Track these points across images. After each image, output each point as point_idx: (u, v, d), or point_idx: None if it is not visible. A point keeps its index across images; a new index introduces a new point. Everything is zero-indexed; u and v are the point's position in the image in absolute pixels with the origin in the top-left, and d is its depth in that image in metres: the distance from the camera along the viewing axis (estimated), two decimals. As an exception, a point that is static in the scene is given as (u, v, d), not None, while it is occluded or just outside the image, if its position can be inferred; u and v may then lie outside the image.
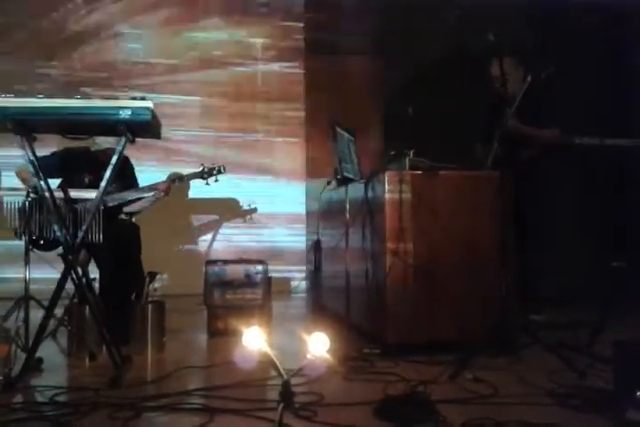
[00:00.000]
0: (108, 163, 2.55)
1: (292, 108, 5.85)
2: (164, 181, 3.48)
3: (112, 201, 3.35)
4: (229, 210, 5.71)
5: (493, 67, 3.61)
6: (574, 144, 3.80)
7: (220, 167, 3.63)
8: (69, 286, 2.60)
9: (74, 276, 2.54)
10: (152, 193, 3.46)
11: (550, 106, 3.81)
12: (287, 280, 5.62)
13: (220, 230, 5.79)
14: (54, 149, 3.52)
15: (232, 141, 5.72)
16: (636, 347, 1.95)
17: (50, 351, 2.89)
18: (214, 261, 3.62)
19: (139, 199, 3.52)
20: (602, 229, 5.22)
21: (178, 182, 3.53)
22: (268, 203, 5.79)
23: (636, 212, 4.79)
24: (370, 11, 5.61)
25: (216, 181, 3.65)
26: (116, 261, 3.22)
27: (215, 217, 5.77)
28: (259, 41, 5.85)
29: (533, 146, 3.74)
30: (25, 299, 3.02)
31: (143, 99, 2.40)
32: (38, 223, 2.97)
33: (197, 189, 5.32)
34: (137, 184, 3.62)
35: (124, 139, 2.49)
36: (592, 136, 3.83)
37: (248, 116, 5.77)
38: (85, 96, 2.40)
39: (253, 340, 1.59)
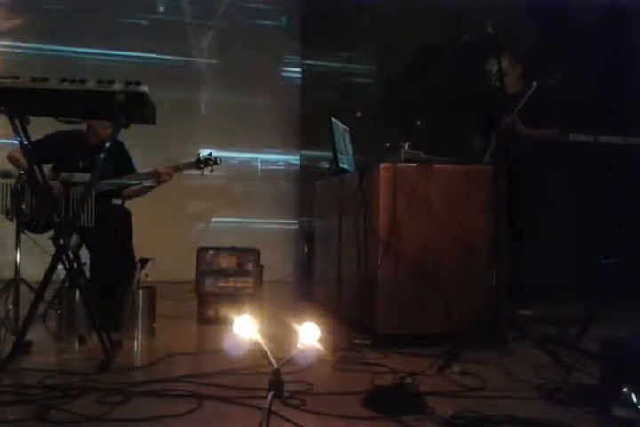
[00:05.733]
0: (102, 147, 2.53)
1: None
2: (163, 167, 3.43)
3: (106, 186, 3.32)
4: (222, 197, 5.70)
5: (490, 62, 3.60)
6: (568, 141, 3.81)
7: (216, 158, 3.60)
8: (60, 270, 2.60)
9: (65, 259, 2.53)
10: (150, 180, 3.43)
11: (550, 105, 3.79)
12: (279, 269, 5.62)
13: (213, 218, 5.78)
14: (47, 132, 3.49)
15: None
16: (623, 343, 1.97)
17: (39, 335, 2.88)
18: (206, 249, 3.62)
19: (135, 184, 3.50)
20: (593, 225, 5.26)
21: (172, 172, 3.49)
22: (261, 191, 5.80)
23: (629, 209, 4.82)
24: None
25: (211, 171, 3.61)
26: (107, 245, 3.21)
27: (208, 204, 5.75)
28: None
29: (527, 142, 3.74)
30: (15, 282, 3.02)
31: (138, 83, 2.38)
32: (30, 206, 2.95)
33: (191, 177, 5.32)
34: (133, 169, 3.59)
35: (118, 124, 2.47)
36: (586, 133, 3.84)
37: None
38: (80, 79, 2.38)
39: (244, 328, 1.60)
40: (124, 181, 3.40)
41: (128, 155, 3.65)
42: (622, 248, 4.60)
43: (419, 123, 3.25)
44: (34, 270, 2.81)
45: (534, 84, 3.60)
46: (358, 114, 3.32)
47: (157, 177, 3.38)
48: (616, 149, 3.80)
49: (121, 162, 3.52)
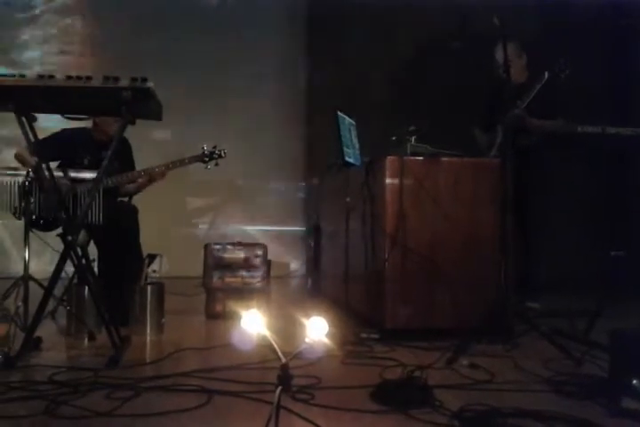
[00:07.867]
0: (108, 144, 2.53)
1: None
2: (160, 166, 3.42)
3: (112, 183, 3.33)
4: (229, 192, 5.71)
5: (498, 52, 3.57)
6: (576, 133, 3.78)
7: (221, 151, 3.58)
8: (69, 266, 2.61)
9: (73, 256, 2.54)
10: (147, 178, 3.43)
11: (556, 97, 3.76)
12: (286, 264, 5.63)
13: (220, 213, 5.79)
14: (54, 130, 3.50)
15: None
16: (633, 335, 1.96)
17: (49, 331, 2.90)
18: (214, 244, 3.62)
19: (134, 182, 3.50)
20: (602, 217, 5.23)
21: (178, 165, 3.49)
22: (268, 186, 5.82)
23: (637, 201, 4.79)
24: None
25: (216, 165, 3.59)
26: (114, 242, 3.22)
27: (215, 199, 5.76)
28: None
29: (534, 134, 3.71)
30: (24, 279, 3.03)
31: (145, 80, 2.38)
32: (38, 204, 2.96)
33: (198, 173, 5.32)
34: (134, 167, 3.59)
35: (124, 120, 2.48)
36: (594, 125, 3.81)
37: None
38: (86, 76, 2.38)
39: (252, 323, 1.60)
40: (120, 178, 3.39)
41: (131, 152, 3.65)
42: (628, 240, 4.58)
43: (421, 129, 3.23)
44: (43, 267, 2.82)
45: (546, 75, 3.55)
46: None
47: (151, 177, 3.39)
48: (624, 141, 3.77)
49: (124, 159, 3.52)
